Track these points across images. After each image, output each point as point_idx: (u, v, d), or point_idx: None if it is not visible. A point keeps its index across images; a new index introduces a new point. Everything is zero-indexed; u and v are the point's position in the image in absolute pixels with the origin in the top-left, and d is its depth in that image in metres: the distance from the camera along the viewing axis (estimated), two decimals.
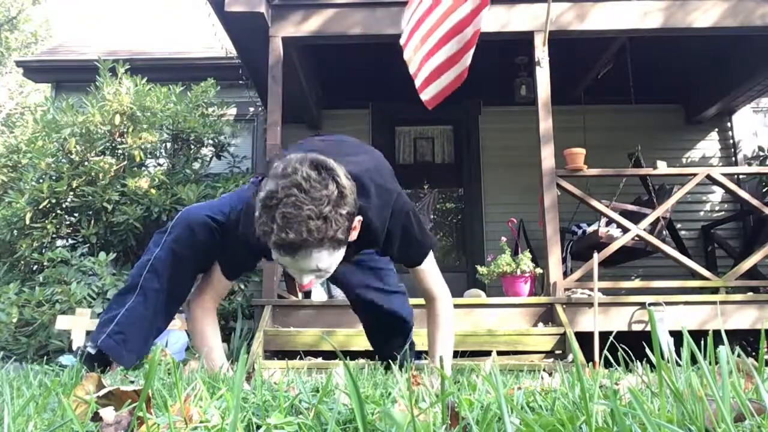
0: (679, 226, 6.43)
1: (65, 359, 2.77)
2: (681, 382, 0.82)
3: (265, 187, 1.42)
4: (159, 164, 5.77)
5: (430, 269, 1.87)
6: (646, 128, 6.94)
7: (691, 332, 0.86)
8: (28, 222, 5.03)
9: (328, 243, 1.42)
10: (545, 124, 4.73)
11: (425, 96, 4.22)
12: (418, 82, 4.18)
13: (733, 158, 7.09)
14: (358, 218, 1.53)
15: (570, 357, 3.90)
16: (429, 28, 4.07)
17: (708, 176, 4.93)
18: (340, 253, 1.51)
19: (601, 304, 4.32)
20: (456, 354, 3.66)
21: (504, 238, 5.30)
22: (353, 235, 1.53)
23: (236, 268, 1.92)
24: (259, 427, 0.79)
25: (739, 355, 0.91)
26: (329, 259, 1.48)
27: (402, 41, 4.20)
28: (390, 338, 2.29)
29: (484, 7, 3.94)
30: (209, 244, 1.82)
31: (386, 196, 1.66)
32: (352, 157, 1.66)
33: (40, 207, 5.07)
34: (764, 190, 6.40)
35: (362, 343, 3.80)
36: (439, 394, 0.86)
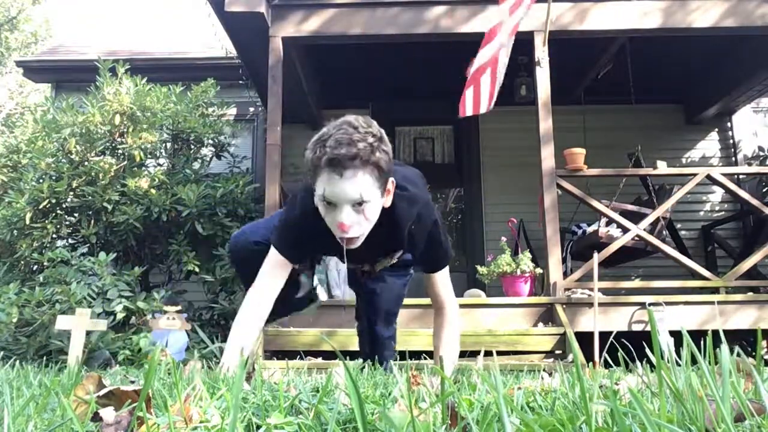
0: (679, 226, 6.43)
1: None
2: (681, 382, 0.82)
3: (314, 139, 1.60)
4: (159, 164, 5.77)
5: (444, 278, 1.94)
6: (646, 128, 6.94)
7: (690, 332, 0.86)
8: (28, 222, 5.03)
9: (373, 166, 1.55)
10: (545, 124, 4.73)
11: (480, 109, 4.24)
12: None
13: (733, 158, 7.09)
14: (392, 180, 1.66)
15: (570, 357, 3.90)
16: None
17: (708, 176, 4.93)
18: (378, 194, 1.60)
19: (601, 304, 4.32)
20: None
21: (504, 238, 5.30)
22: (387, 199, 1.66)
23: (297, 251, 1.86)
24: (259, 427, 0.79)
25: (739, 355, 0.91)
26: (371, 190, 1.56)
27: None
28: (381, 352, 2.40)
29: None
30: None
31: (417, 199, 1.77)
32: (397, 166, 1.83)
33: (40, 207, 5.07)
34: (764, 190, 6.40)
35: None
36: (439, 394, 0.86)
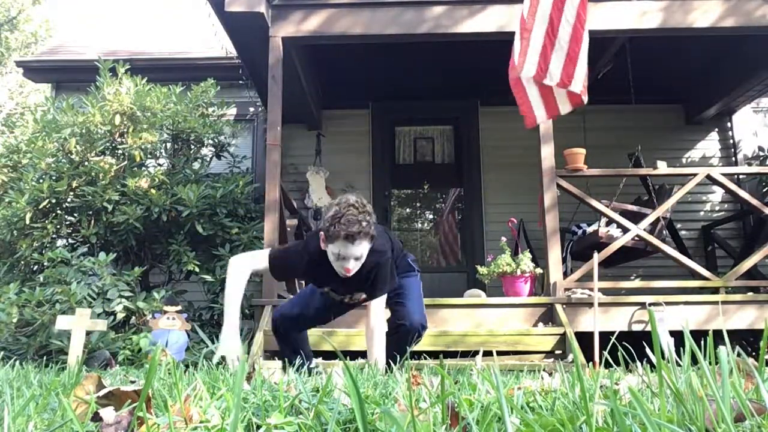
0: (679, 226, 6.43)
1: None
2: (681, 382, 0.82)
3: (329, 211, 2.44)
4: (159, 164, 5.77)
5: (379, 303, 2.69)
6: (646, 128, 6.93)
7: (691, 332, 0.86)
8: (28, 222, 5.03)
9: (369, 236, 2.41)
10: (545, 124, 4.73)
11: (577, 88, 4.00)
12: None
13: (733, 158, 7.09)
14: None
15: (570, 357, 3.90)
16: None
17: (708, 176, 4.93)
18: (368, 248, 2.45)
19: (601, 304, 4.32)
20: (456, 354, 3.67)
21: (504, 238, 5.30)
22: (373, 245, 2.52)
23: (285, 270, 2.84)
24: (259, 427, 0.79)
25: (739, 355, 0.91)
26: (366, 249, 2.43)
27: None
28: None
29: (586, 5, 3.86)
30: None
31: (381, 254, 2.60)
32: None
33: (40, 207, 5.07)
34: (764, 190, 6.40)
35: (362, 343, 3.80)
36: (440, 394, 0.86)
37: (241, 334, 4.82)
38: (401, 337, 2.73)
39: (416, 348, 2.98)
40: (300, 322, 2.96)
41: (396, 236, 3.10)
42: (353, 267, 2.43)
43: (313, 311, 2.91)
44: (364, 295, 2.74)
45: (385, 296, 2.70)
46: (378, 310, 2.68)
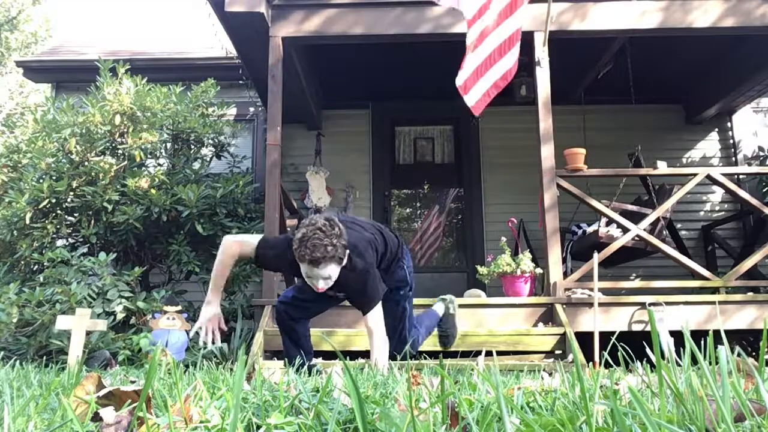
0: (679, 226, 6.43)
1: None
2: (681, 382, 0.82)
3: (298, 232, 2.51)
4: (159, 164, 5.77)
5: (372, 317, 2.69)
6: (646, 128, 6.94)
7: (691, 332, 0.86)
8: (28, 222, 5.03)
9: (335, 259, 2.47)
10: (545, 123, 4.73)
11: (470, 102, 4.21)
12: (461, 84, 4.19)
13: (733, 158, 7.09)
14: (347, 255, 2.55)
15: (570, 357, 3.90)
16: (482, 31, 4.09)
17: (708, 176, 4.93)
18: (339, 267, 2.53)
19: (601, 304, 4.32)
20: (456, 354, 3.68)
21: (504, 238, 5.30)
22: (345, 263, 2.55)
23: (269, 263, 2.89)
24: (259, 427, 0.79)
25: (739, 355, 0.91)
26: (335, 270, 2.52)
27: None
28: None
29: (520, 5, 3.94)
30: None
31: (356, 265, 2.62)
32: (355, 231, 2.75)
33: (40, 207, 5.07)
34: (764, 190, 6.40)
35: (362, 343, 3.80)
36: (440, 394, 0.86)
37: (241, 335, 4.84)
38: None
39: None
40: (298, 306, 2.98)
41: (393, 236, 3.01)
42: (322, 286, 2.52)
43: (309, 296, 2.91)
44: (344, 294, 2.82)
45: (378, 307, 2.71)
46: (371, 317, 2.69)
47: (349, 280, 2.61)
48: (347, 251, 2.52)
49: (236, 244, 2.78)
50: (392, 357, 2.82)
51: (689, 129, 7.20)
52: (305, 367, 2.71)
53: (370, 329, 2.68)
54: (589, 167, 4.92)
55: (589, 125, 6.25)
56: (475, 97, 4.18)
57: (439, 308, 3.48)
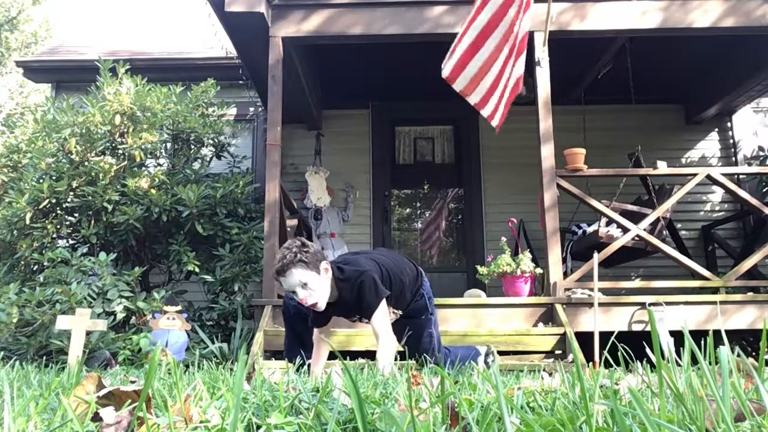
0: (679, 226, 6.43)
1: None
2: (681, 382, 0.82)
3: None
4: (159, 164, 5.77)
5: (376, 321, 2.70)
6: (646, 128, 6.94)
7: (691, 332, 0.86)
8: (28, 222, 5.03)
9: (301, 264, 2.54)
10: (545, 123, 4.73)
11: (495, 122, 4.22)
12: (487, 112, 4.19)
13: (733, 158, 7.09)
14: (326, 265, 2.63)
15: (570, 357, 3.90)
16: (478, 40, 4.07)
17: (708, 176, 4.93)
18: (314, 275, 2.58)
19: (601, 304, 4.31)
20: None
21: (504, 238, 5.30)
22: (327, 275, 2.64)
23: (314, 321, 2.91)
24: (259, 427, 0.79)
25: (739, 355, 0.91)
26: (305, 275, 2.56)
27: (449, 68, 4.16)
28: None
29: (528, 8, 3.93)
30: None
31: (354, 284, 2.67)
32: (354, 257, 2.95)
33: (41, 207, 5.07)
34: (764, 190, 6.40)
35: (362, 343, 3.80)
36: (440, 394, 0.86)
37: (241, 335, 4.84)
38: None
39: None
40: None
41: (413, 265, 3.07)
42: (303, 296, 2.57)
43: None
44: (360, 317, 2.89)
45: (381, 308, 2.71)
46: (375, 322, 2.69)
47: (343, 291, 2.68)
48: (323, 263, 2.61)
49: (319, 331, 2.91)
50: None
51: (689, 129, 7.19)
52: (305, 366, 2.76)
53: (376, 333, 2.68)
54: (589, 167, 4.91)
55: (589, 125, 6.24)
56: (494, 112, 4.17)
57: (481, 348, 3.52)
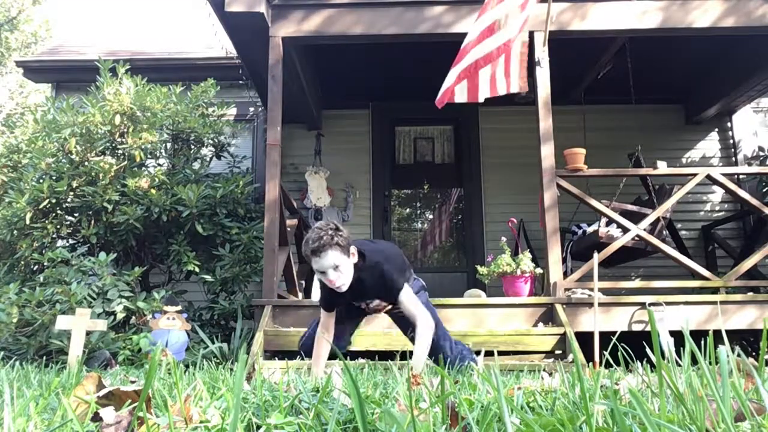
0: (679, 226, 6.43)
1: None
2: (681, 382, 0.82)
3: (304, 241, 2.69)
4: (159, 164, 5.77)
5: (407, 300, 2.78)
6: (646, 128, 6.93)
7: (691, 332, 0.86)
8: (28, 222, 5.03)
9: (336, 246, 2.59)
10: (545, 123, 4.73)
11: (515, 88, 4.20)
12: (502, 87, 4.19)
13: (733, 158, 7.09)
14: (355, 250, 2.70)
15: (570, 357, 3.90)
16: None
17: (708, 176, 4.93)
18: (345, 258, 2.64)
19: (601, 304, 4.32)
20: None
21: (504, 238, 5.30)
22: (354, 258, 2.70)
23: (330, 305, 2.91)
24: (259, 427, 0.79)
25: (739, 355, 0.91)
26: (339, 257, 2.61)
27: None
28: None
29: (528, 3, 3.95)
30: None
31: (378, 266, 2.76)
32: (375, 244, 3.11)
33: (41, 207, 5.07)
34: (764, 190, 6.40)
35: (362, 343, 3.80)
36: (440, 394, 0.86)
37: (241, 335, 4.84)
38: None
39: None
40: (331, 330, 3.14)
41: (400, 258, 3.10)
42: (334, 278, 2.63)
43: (339, 313, 3.07)
44: (381, 303, 2.92)
45: (405, 293, 2.77)
46: (411, 307, 2.76)
47: (363, 273, 2.73)
48: (351, 245, 2.66)
49: (320, 328, 2.93)
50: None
51: (689, 129, 7.19)
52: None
53: (411, 313, 2.75)
54: (589, 167, 4.91)
55: (589, 125, 6.24)
56: (508, 80, 4.16)
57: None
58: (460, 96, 4.19)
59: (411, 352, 2.79)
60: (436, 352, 2.90)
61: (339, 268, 2.61)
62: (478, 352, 3.53)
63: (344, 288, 2.69)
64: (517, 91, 4.29)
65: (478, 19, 4.17)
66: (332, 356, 3.37)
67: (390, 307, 2.99)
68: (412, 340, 2.85)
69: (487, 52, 4.12)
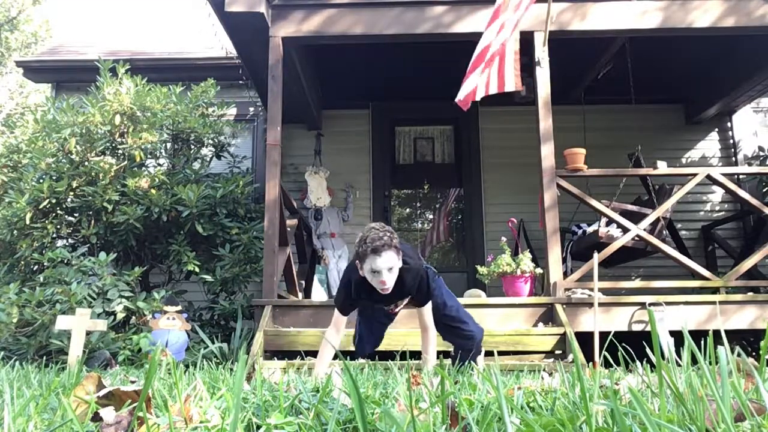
0: (679, 226, 6.43)
1: None
2: (681, 382, 0.82)
3: (359, 239, 2.77)
4: (159, 164, 5.77)
5: (428, 311, 3.00)
6: (646, 128, 6.94)
7: (691, 332, 0.86)
8: (28, 222, 5.03)
9: (394, 248, 2.73)
10: (545, 123, 4.73)
11: (510, 87, 4.23)
12: (493, 86, 4.22)
13: (733, 158, 7.09)
14: (402, 252, 2.81)
15: (570, 357, 3.90)
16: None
17: (708, 176, 4.93)
18: (398, 261, 2.77)
19: (601, 304, 4.32)
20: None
21: (504, 238, 5.30)
22: (401, 262, 2.80)
23: (347, 308, 3.02)
24: (259, 427, 0.79)
25: (739, 355, 0.91)
26: (395, 260, 2.74)
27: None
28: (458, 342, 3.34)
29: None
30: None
31: (413, 268, 2.90)
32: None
33: (41, 207, 5.07)
34: (764, 190, 6.40)
35: None
36: (440, 394, 0.86)
37: (241, 335, 4.84)
38: (467, 349, 3.22)
39: (415, 348, 3.23)
40: (365, 337, 3.39)
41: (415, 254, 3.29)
42: (387, 278, 2.72)
43: (367, 322, 3.35)
44: (405, 301, 3.07)
45: (430, 303, 3.00)
46: (427, 317, 3.00)
47: (406, 279, 2.89)
48: (401, 250, 2.81)
49: (331, 329, 3.00)
50: (472, 354, 3.19)
51: (689, 129, 7.20)
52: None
53: (426, 322, 3.00)
54: (589, 167, 4.91)
55: (589, 125, 6.24)
56: (502, 80, 4.19)
57: None
58: (479, 93, 4.25)
59: (411, 352, 2.97)
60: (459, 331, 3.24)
61: (392, 270, 2.73)
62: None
63: (389, 290, 2.80)
64: (513, 90, 4.29)
65: (490, 26, 4.18)
66: (333, 356, 3.39)
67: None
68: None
69: (492, 52, 4.14)
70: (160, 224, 5.16)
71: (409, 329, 3.91)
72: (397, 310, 3.14)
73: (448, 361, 3.17)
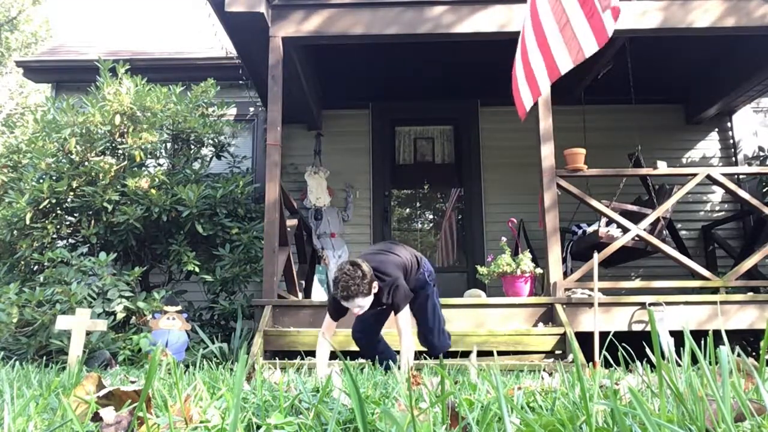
0: (679, 226, 6.43)
1: None
2: (681, 382, 0.82)
3: (332, 275, 3.14)
4: (159, 164, 5.77)
5: (401, 318, 3.23)
6: (646, 128, 6.93)
7: (691, 332, 0.86)
8: (28, 222, 5.03)
9: (361, 294, 3.01)
10: (545, 123, 4.73)
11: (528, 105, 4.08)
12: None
13: (733, 158, 7.09)
14: (376, 284, 3.10)
15: (570, 357, 3.90)
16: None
17: (708, 176, 4.93)
18: (369, 298, 3.07)
19: (601, 304, 4.32)
20: (456, 354, 3.68)
21: (504, 238, 5.30)
22: (375, 291, 3.10)
23: (337, 315, 3.30)
24: (259, 427, 0.79)
25: (739, 355, 0.91)
26: (364, 300, 3.05)
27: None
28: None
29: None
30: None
31: (388, 282, 3.19)
32: (383, 256, 3.39)
33: (41, 207, 5.07)
34: (764, 190, 6.40)
35: None
36: (440, 394, 0.86)
37: (241, 335, 4.84)
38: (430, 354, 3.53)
39: (415, 348, 3.33)
40: (362, 330, 3.60)
41: (410, 253, 3.51)
42: (358, 311, 3.12)
43: (365, 321, 3.53)
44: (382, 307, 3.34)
45: (407, 309, 3.26)
46: (401, 317, 3.24)
47: (382, 293, 3.19)
48: (374, 282, 3.08)
49: (322, 331, 3.31)
50: (443, 352, 3.49)
51: (689, 129, 7.19)
52: (384, 364, 3.27)
53: (400, 327, 3.22)
54: (589, 167, 4.91)
55: (589, 125, 6.24)
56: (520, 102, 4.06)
57: None
58: (529, 101, 4.08)
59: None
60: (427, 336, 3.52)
61: (362, 307, 3.09)
62: (477, 352, 3.58)
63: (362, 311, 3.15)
64: (597, 49, 3.89)
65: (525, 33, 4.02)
66: (333, 356, 3.42)
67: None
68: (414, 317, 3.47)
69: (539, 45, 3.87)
70: (160, 224, 5.16)
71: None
72: (382, 308, 3.35)
73: (427, 361, 3.31)
